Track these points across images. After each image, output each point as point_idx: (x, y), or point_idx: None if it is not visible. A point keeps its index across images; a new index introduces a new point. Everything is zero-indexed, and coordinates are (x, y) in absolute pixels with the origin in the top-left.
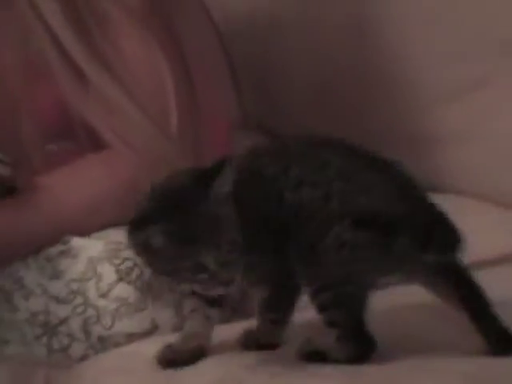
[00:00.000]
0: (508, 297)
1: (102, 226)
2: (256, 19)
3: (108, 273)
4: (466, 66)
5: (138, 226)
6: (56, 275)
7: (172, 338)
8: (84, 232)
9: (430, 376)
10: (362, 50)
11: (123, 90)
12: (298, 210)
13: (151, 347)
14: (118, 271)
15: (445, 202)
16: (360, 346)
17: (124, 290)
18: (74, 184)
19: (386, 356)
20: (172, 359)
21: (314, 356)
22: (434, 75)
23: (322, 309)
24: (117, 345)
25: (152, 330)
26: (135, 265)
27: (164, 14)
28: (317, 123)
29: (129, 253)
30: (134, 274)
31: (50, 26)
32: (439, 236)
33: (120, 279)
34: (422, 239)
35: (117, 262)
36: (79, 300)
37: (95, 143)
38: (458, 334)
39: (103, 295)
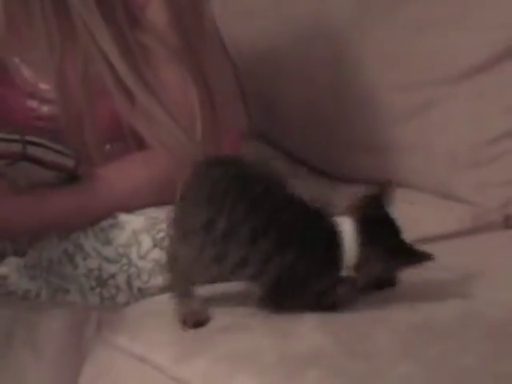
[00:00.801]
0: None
1: (143, 207)
2: (261, 52)
3: (146, 240)
4: (419, 92)
5: None
6: (107, 241)
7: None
8: (129, 210)
9: (381, 325)
10: (340, 76)
11: (161, 106)
12: None
13: None
14: (154, 239)
15: (402, 195)
16: None
17: (158, 254)
18: (123, 175)
19: (350, 309)
20: (197, 321)
21: None
22: (395, 98)
23: None
24: (152, 295)
25: None
26: (167, 235)
27: (193, 49)
28: (308, 133)
29: (163, 226)
30: (166, 242)
31: (107, 55)
32: None
33: (155, 245)
34: None
35: (153, 232)
36: (124, 261)
37: (140, 144)
38: (409, 288)
39: (142, 257)
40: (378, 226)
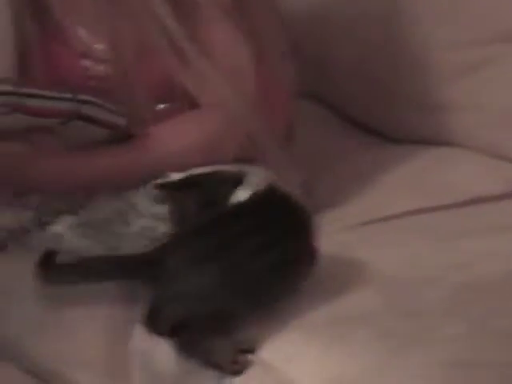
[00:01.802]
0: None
1: (195, 166)
2: (312, 10)
3: None
4: (472, 51)
5: None
6: (159, 201)
7: None
8: (181, 170)
9: (430, 285)
10: (391, 33)
11: (212, 64)
12: None
13: None
14: None
15: (452, 154)
16: None
17: None
18: (174, 133)
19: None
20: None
21: None
22: (448, 56)
23: None
24: None
25: None
26: None
27: (244, 6)
28: (360, 92)
29: None
30: None
31: (158, 14)
32: None
33: None
34: None
35: None
36: None
37: (192, 104)
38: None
39: None
40: None
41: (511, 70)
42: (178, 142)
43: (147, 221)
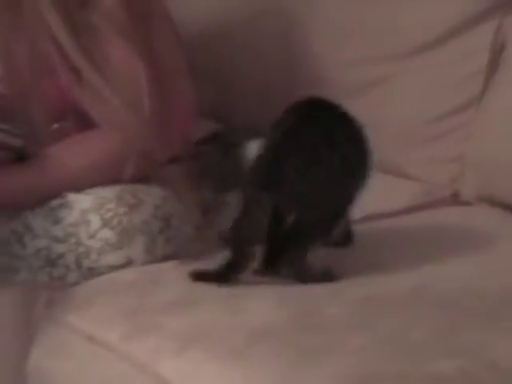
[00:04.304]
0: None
1: (92, 186)
2: (211, 29)
3: (95, 220)
4: (370, 68)
5: None
6: (56, 221)
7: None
8: (78, 190)
9: (333, 300)
10: (290, 50)
11: (107, 85)
12: None
13: (126, 275)
14: (102, 219)
15: None
16: None
17: (107, 233)
18: (71, 154)
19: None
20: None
21: None
22: (346, 73)
23: None
24: (101, 274)
25: (127, 264)
26: (115, 214)
27: (141, 27)
28: (258, 109)
29: (111, 205)
30: (114, 222)
31: (54, 32)
32: None
33: (104, 225)
34: None
35: (102, 212)
36: (73, 240)
37: (88, 123)
38: (359, 263)
39: (91, 237)
40: None
41: (407, 88)
42: (76, 162)
43: (43, 241)
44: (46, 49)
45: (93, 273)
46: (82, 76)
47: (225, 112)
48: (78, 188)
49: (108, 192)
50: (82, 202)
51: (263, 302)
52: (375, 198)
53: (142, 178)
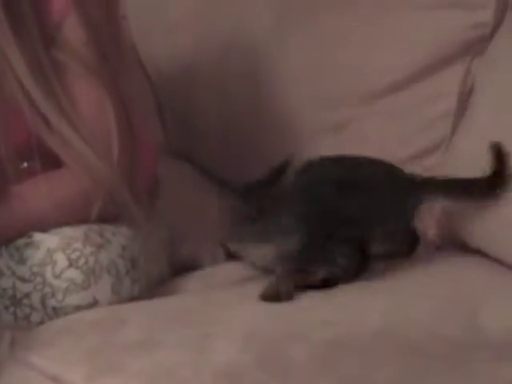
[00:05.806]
0: None
1: (58, 225)
2: (178, 68)
3: (61, 260)
4: (336, 110)
5: None
6: (22, 261)
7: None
8: (44, 229)
9: (297, 342)
10: (253, 91)
11: (74, 128)
12: None
13: (91, 315)
14: (68, 259)
15: None
16: None
17: (73, 273)
18: (38, 193)
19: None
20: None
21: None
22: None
23: None
24: (66, 314)
25: (93, 304)
26: (82, 254)
27: (109, 66)
28: (225, 149)
29: (78, 245)
30: (81, 261)
31: (19, 76)
32: None
33: (70, 265)
34: None
35: (68, 251)
36: (39, 280)
37: (56, 162)
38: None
39: (57, 276)
40: None
41: (376, 130)
42: (43, 202)
43: (8, 281)
44: (11, 92)
45: (58, 313)
46: (48, 117)
47: (189, 151)
48: (45, 227)
49: (75, 231)
50: (48, 242)
51: (228, 343)
52: None
53: (109, 218)
